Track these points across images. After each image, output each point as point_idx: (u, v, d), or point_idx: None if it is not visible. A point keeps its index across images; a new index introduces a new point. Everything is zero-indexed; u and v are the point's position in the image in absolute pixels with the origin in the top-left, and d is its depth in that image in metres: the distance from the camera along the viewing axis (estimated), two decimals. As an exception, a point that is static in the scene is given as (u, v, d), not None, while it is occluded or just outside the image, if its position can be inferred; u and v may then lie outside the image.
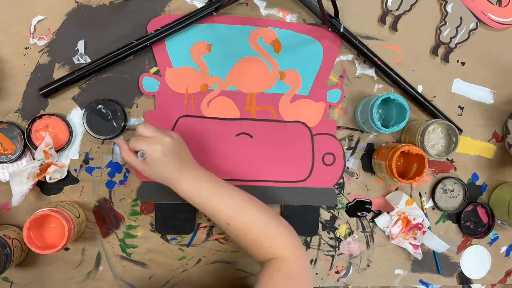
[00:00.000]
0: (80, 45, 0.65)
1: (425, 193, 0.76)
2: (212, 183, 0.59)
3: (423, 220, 0.72)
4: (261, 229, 0.57)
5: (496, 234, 0.78)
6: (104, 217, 0.67)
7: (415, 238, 0.73)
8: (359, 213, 0.73)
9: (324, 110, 0.71)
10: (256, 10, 0.69)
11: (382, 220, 0.73)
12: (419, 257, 0.73)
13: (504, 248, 0.79)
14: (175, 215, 0.68)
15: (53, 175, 0.63)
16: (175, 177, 0.57)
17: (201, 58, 0.68)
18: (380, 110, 0.71)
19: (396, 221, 0.72)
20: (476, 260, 0.78)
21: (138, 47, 0.65)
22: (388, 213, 0.73)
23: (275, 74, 0.70)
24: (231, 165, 0.69)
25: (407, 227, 0.72)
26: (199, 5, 0.67)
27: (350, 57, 0.72)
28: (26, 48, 0.64)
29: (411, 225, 0.72)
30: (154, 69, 0.67)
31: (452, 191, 0.75)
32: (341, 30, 0.69)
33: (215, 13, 0.67)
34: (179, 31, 0.66)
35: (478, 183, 0.77)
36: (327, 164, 0.72)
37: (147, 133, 0.57)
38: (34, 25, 0.64)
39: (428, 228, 0.73)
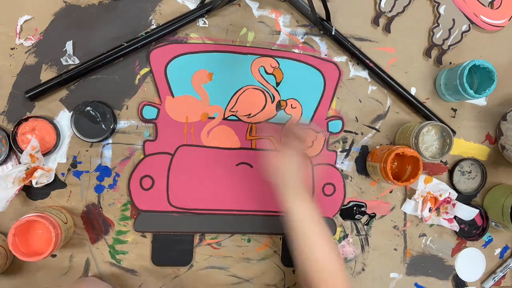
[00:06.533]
0: (69, 46, 0.63)
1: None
2: (316, 219, 0.58)
3: (450, 193, 0.73)
4: (336, 284, 0.56)
5: (490, 236, 0.78)
6: (93, 223, 0.65)
7: (447, 213, 0.73)
8: (356, 217, 0.73)
9: (324, 140, 0.71)
10: (249, 11, 0.68)
11: (408, 207, 0.73)
12: (456, 229, 0.74)
13: (498, 250, 0.79)
14: (172, 246, 0.67)
15: (40, 179, 0.61)
16: (292, 191, 0.58)
17: (202, 86, 0.67)
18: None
19: (424, 203, 0.72)
20: (470, 262, 0.77)
21: (128, 49, 0.64)
22: (409, 198, 0.74)
23: (276, 103, 0.69)
24: (231, 195, 0.68)
25: (436, 205, 0.72)
26: (191, 5, 0.66)
27: (343, 58, 0.72)
28: (12, 49, 0.63)
29: (439, 202, 0.72)
30: (144, 70, 0.66)
31: (470, 172, 0.75)
32: (333, 33, 0.69)
33: (206, 16, 0.66)
34: (179, 55, 0.66)
35: (472, 185, 0.77)
36: (327, 195, 0.72)
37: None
38: (21, 25, 0.62)
39: (455, 199, 0.73)
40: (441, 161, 0.76)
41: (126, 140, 0.66)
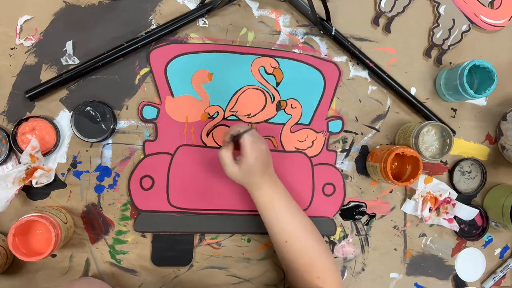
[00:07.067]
0: (69, 46, 0.63)
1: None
2: (285, 199, 0.61)
3: (450, 193, 0.73)
4: (316, 256, 0.59)
5: (490, 236, 0.78)
6: (93, 223, 0.65)
7: (447, 213, 0.73)
8: (356, 217, 0.73)
9: (324, 140, 0.71)
10: (249, 11, 0.68)
11: (408, 207, 0.73)
12: (456, 229, 0.74)
13: (498, 250, 0.79)
14: (173, 246, 0.67)
15: (40, 179, 0.61)
16: (259, 182, 0.60)
17: (202, 86, 0.67)
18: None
19: (424, 203, 0.72)
20: (470, 262, 0.77)
21: (128, 49, 0.64)
22: (410, 198, 0.74)
23: (276, 103, 0.69)
24: (231, 194, 0.68)
25: (436, 205, 0.72)
26: (191, 5, 0.66)
27: (343, 58, 0.72)
28: (12, 49, 0.62)
29: (439, 202, 0.72)
30: (144, 70, 0.66)
31: (470, 172, 0.76)
32: (333, 33, 0.69)
33: (206, 16, 0.66)
34: (179, 55, 0.66)
35: (472, 185, 0.77)
36: (327, 195, 0.72)
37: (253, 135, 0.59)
38: (21, 25, 0.62)
39: (455, 199, 0.73)
40: (441, 161, 0.76)
41: (126, 140, 0.66)
